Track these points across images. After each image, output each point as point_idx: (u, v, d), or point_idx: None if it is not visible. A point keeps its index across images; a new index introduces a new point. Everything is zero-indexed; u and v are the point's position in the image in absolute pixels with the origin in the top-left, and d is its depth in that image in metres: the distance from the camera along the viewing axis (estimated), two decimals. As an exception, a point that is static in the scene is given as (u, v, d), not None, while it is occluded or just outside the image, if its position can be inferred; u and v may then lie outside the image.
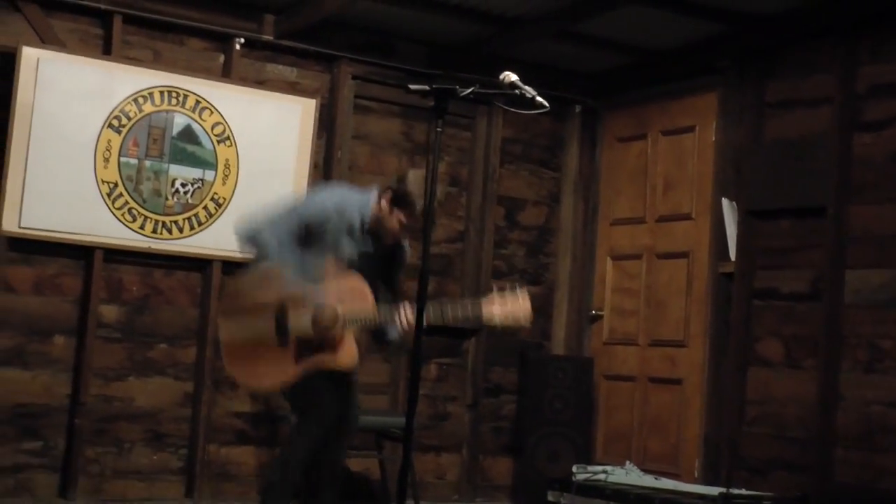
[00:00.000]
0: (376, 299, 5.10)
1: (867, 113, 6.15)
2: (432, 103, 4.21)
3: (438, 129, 4.22)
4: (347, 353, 5.09)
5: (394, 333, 5.13)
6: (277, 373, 5.08)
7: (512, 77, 4.33)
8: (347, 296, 5.05)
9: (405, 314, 4.93)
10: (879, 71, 6.12)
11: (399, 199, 5.19)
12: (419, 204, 5.12)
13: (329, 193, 5.37)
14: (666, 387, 7.23)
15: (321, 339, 5.03)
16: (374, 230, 5.22)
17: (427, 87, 4.28)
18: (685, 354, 7.12)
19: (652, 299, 7.41)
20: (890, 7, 5.97)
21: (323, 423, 5.13)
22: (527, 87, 4.29)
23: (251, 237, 5.12)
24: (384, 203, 5.18)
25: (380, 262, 5.26)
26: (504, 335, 7.45)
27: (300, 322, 5.04)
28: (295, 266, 5.04)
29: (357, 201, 5.23)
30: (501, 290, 4.91)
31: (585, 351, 7.79)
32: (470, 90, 4.26)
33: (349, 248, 5.17)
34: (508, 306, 4.85)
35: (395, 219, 5.18)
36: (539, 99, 4.26)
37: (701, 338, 6.98)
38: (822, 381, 6.15)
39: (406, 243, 5.38)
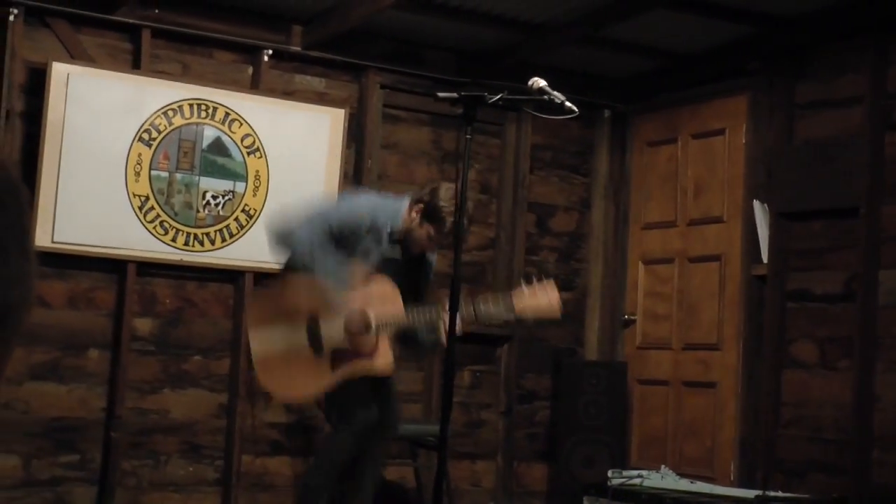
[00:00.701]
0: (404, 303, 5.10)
1: (898, 112, 6.12)
2: (461, 111, 4.22)
3: (468, 137, 4.22)
4: (383, 359, 5.08)
5: (424, 335, 5.12)
6: (314, 383, 5.07)
7: (540, 83, 4.34)
8: (377, 300, 5.05)
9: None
10: (910, 70, 6.09)
11: (430, 213, 5.17)
12: (449, 221, 5.12)
13: (362, 199, 5.38)
14: (700, 390, 7.20)
15: (356, 347, 5.03)
16: (401, 240, 5.21)
17: (456, 95, 4.30)
18: (719, 358, 7.09)
19: (684, 303, 7.38)
20: (919, 5, 5.95)
21: (357, 431, 5.11)
22: (555, 93, 4.29)
23: (284, 236, 5.08)
24: (414, 215, 5.16)
25: (405, 272, 5.24)
26: (536, 339, 7.49)
27: (333, 330, 5.03)
28: (325, 271, 5.01)
29: (388, 209, 5.22)
30: (529, 282, 4.96)
31: (619, 356, 7.76)
32: (498, 97, 4.27)
33: (377, 255, 5.16)
34: (537, 299, 4.89)
35: (424, 232, 5.16)
36: (568, 104, 4.26)
37: (734, 341, 6.96)
38: (857, 383, 6.11)
39: (433, 256, 5.37)
